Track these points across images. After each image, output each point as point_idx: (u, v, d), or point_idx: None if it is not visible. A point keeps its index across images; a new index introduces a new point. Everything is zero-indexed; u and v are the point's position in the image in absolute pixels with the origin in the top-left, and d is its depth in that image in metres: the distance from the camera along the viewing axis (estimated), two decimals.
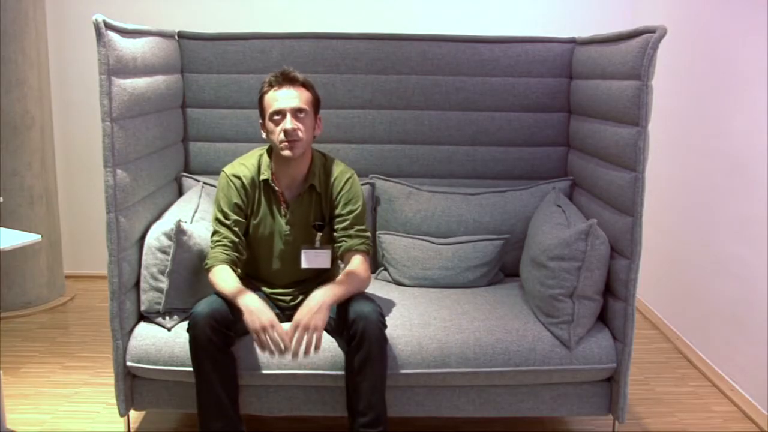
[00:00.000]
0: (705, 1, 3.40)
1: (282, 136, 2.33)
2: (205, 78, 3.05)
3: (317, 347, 2.18)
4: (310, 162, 2.48)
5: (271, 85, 2.37)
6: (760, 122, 2.87)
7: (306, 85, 2.40)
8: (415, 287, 2.83)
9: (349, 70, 3.04)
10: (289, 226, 2.46)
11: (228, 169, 2.47)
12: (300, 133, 2.33)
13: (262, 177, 2.45)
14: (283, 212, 2.46)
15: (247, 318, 2.18)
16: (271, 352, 2.18)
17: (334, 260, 2.53)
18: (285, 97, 2.34)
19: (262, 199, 2.46)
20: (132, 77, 2.43)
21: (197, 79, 3.05)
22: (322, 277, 2.53)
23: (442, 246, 2.87)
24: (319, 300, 2.21)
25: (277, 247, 2.48)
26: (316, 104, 2.43)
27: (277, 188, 2.45)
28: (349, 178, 2.50)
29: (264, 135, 2.44)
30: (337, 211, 2.47)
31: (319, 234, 2.47)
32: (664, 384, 3.13)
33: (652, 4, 3.98)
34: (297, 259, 2.49)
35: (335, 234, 2.47)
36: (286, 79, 2.36)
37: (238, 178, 2.44)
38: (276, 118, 2.34)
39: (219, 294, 2.31)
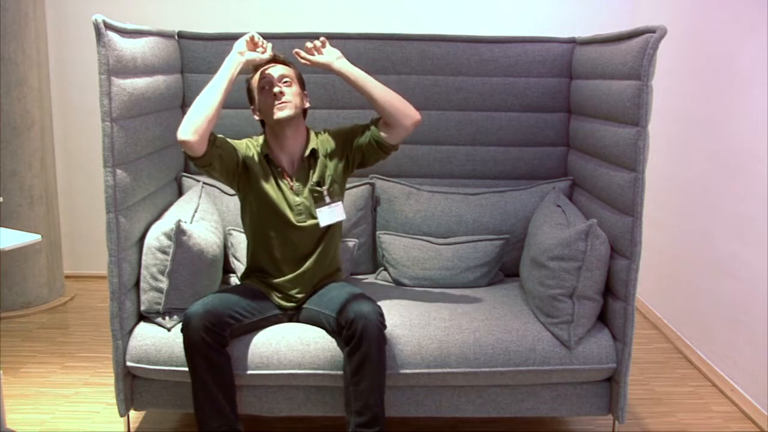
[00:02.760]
0: (705, 1, 3.40)
1: (272, 100, 2.43)
2: (205, 78, 3.01)
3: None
4: (306, 135, 2.56)
5: (256, 68, 2.52)
6: (760, 122, 2.87)
7: (287, 62, 2.54)
8: (415, 287, 2.83)
9: None
10: (301, 198, 2.49)
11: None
12: (288, 95, 2.44)
13: (262, 153, 2.51)
14: (288, 185, 2.50)
15: (231, 58, 2.36)
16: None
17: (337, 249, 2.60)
18: (270, 70, 2.48)
19: (267, 171, 2.49)
20: (132, 77, 2.43)
21: (197, 79, 3.05)
22: (331, 256, 2.58)
23: (442, 246, 2.87)
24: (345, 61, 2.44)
25: (291, 222, 2.48)
26: (299, 79, 2.55)
27: (278, 165, 2.50)
28: (327, 129, 2.63)
29: (257, 117, 2.53)
30: (351, 137, 2.55)
31: (325, 188, 2.50)
32: (664, 384, 3.13)
33: (652, 4, 3.98)
34: (310, 233, 2.50)
35: (364, 136, 2.52)
36: (269, 60, 2.50)
37: (241, 143, 2.52)
38: (266, 89, 2.45)
39: (215, 292, 2.34)
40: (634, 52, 2.35)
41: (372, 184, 3.00)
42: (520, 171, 3.11)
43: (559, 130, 3.09)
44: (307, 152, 2.51)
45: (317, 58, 2.45)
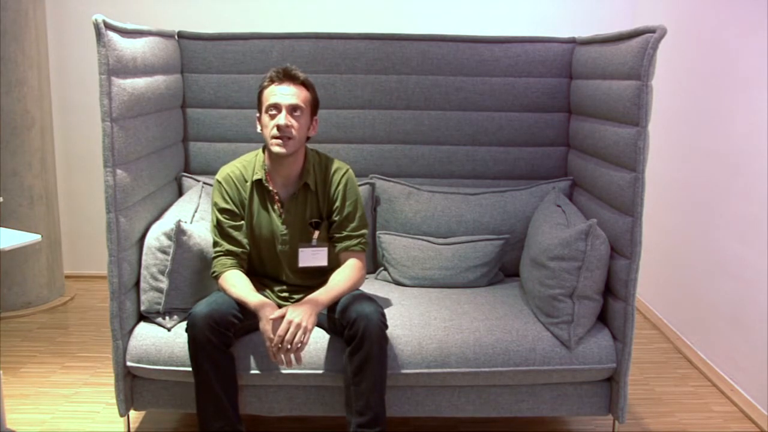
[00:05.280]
0: (705, 1, 3.40)
1: (275, 131, 2.33)
2: (205, 78, 3.05)
3: (298, 360, 2.19)
4: (304, 160, 2.48)
5: (272, 80, 2.39)
6: (760, 122, 2.87)
7: (306, 84, 2.41)
8: (415, 287, 2.83)
9: (349, 70, 3.04)
10: (285, 226, 2.46)
11: (219, 174, 2.50)
12: (293, 131, 2.34)
13: (255, 177, 2.45)
14: (278, 212, 2.46)
15: (264, 327, 2.20)
16: (281, 363, 2.20)
17: (334, 258, 2.53)
18: (283, 93, 2.35)
19: (257, 198, 2.46)
20: (132, 77, 2.43)
21: (197, 79, 3.05)
22: (326, 276, 2.52)
23: (442, 246, 2.87)
24: (310, 306, 2.24)
25: (276, 247, 2.48)
26: (313, 105, 2.44)
27: (271, 188, 2.45)
28: (344, 174, 2.49)
29: (259, 129, 2.45)
30: (333, 210, 2.48)
31: (316, 232, 2.47)
32: (664, 384, 3.13)
33: (652, 4, 3.98)
34: (295, 258, 2.49)
35: (331, 233, 2.48)
36: (287, 76, 2.38)
37: (228, 180, 2.46)
38: (272, 112, 2.35)
39: (222, 294, 2.33)
40: (634, 52, 2.36)
41: (372, 184, 3.00)
42: (520, 171, 3.11)
43: (559, 130, 3.09)
44: (302, 182, 2.45)
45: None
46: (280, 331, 2.16)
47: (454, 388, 2.45)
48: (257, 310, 2.23)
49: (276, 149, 2.35)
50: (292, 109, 2.35)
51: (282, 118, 2.32)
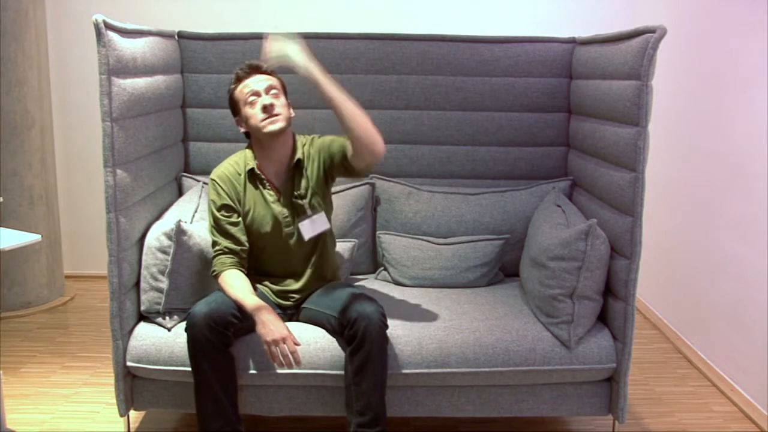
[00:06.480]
0: (705, 1, 3.41)
1: (261, 113, 2.38)
2: (205, 78, 3.05)
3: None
4: (293, 144, 2.51)
5: (239, 79, 2.46)
6: (760, 122, 2.87)
7: (270, 72, 2.49)
8: (415, 287, 2.84)
9: (349, 70, 3.04)
10: (287, 210, 2.47)
11: (212, 174, 2.51)
12: (277, 108, 2.40)
13: (247, 167, 2.47)
14: (275, 198, 2.47)
15: (260, 330, 2.22)
16: (281, 365, 2.22)
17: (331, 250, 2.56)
18: (256, 81, 2.43)
19: (252, 189, 2.47)
20: (132, 77, 2.43)
21: (197, 79, 3.05)
22: (328, 265, 2.56)
23: (442, 246, 2.87)
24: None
25: (280, 234, 2.47)
26: (284, 88, 2.50)
27: (264, 176, 2.47)
28: (311, 138, 2.54)
29: (242, 129, 2.49)
30: (328, 151, 2.47)
31: (306, 200, 2.47)
32: (664, 384, 3.13)
33: (652, 4, 3.98)
34: (300, 243, 2.48)
35: (335, 155, 2.44)
36: (252, 69, 2.46)
37: (223, 177, 2.47)
38: (252, 99, 2.41)
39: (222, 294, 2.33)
40: (634, 52, 2.36)
41: (372, 184, 3.00)
42: (520, 171, 3.11)
43: (559, 130, 3.09)
44: (293, 162, 2.47)
45: (284, 52, 2.26)
46: (270, 357, 2.23)
47: (454, 388, 2.45)
48: (254, 314, 2.25)
49: (270, 128, 2.39)
50: (270, 89, 2.42)
51: (266, 99, 2.39)
